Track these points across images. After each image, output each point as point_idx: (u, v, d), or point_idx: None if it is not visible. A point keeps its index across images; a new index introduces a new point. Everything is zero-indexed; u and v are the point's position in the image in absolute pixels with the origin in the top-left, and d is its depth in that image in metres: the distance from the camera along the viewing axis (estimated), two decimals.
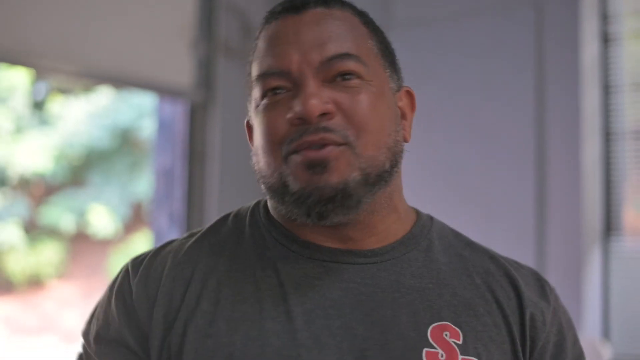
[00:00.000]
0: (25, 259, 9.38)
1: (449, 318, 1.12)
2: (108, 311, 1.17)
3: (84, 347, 1.21)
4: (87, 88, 8.73)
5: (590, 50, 3.20)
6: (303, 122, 1.07)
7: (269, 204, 1.21)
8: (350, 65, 1.11)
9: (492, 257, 1.24)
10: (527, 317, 1.17)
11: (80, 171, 9.68)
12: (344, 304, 1.09)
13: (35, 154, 9.16)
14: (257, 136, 1.14)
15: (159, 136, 4.19)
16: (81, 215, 9.39)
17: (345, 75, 1.10)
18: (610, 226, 3.17)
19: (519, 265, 1.25)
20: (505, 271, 1.21)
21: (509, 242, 3.27)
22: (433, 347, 1.08)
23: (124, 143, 9.63)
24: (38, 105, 9.56)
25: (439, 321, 1.11)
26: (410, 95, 1.23)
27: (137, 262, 1.18)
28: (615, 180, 3.20)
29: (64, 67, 3.48)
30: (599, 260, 3.14)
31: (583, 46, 3.19)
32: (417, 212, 1.26)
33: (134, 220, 9.58)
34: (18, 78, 8.81)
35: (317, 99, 1.07)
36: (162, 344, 1.10)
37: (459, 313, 1.13)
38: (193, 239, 1.20)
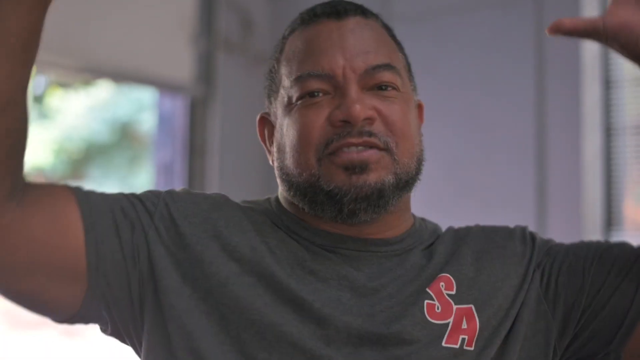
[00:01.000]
0: None
1: (446, 270, 1.19)
2: (148, 198, 1.17)
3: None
4: (87, 82, 8.72)
5: (591, 44, 3.20)
6: (346, 125, 1.11)
7: (284, 200, 1.23)
8: (390, 76, 1.16)
9: (484, 230, 1.32)
10: (535, 254, 1.25)
11: (79, 165, 9.68)
12: (355, 279, 1.14)
13: (34, 148, 9.16)
14: (290, 134, 1.15)
15: (159, 131, 4.19)
16: None
17: (383, 85, 1.15)
18: (610, 220, 3.18)
19: (502, 228, 1.34)
20: (489, 232, 1.31)
21: None
22: (432, 299, 1.15)
23: (124, 137, 9.63)
24: (37, 99, 9.55)
25: (438, 273, 1.18)
26: (420, 107, 1.30)
27: (175, 192, 1.20)
28: (615, 174, 3.20)
29: (64, 61, 3.48)
30: None
31: (583, 40, 3.18)
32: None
33: None
34: None
35: (361, 104, 1.11)
36: (197, 255, 1.13)
37: (458, 268, 1.20)
38: (223, 199, 1.23)
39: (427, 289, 1.16)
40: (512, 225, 1.34)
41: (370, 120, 1.12)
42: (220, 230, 1.15)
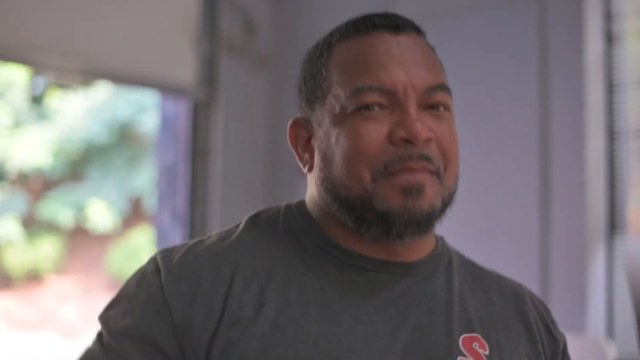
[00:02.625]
0: (23, 253, 9.39)
1: (478, 330, 1.18)
2: (135, 306, 1.13)
3: (104, 335, 1.16)
4: (86, 83, 8.72)
5: (594, 48, 3.20)
6: (407, 144, 1.11)
7: (316, 209, 1.21)
8: (444, 97, 1.16)
9: (498, 276, 1.31)
10: (542, 328, 1.27)
11: (78, 166, 9.68)
12: (386, 312, 1.14)
13: (33, 149, 9.16)
14: (343, 144, 1.13)
15: (161, 133, 4.19)
16: (80, 210, 9.39)
17: (436, 105, 1.15)
18: (614, 225, 3.18)
19: (519, 286, 1.32)
20: (512, 290, 1.29)
21: (513, 241, 3.27)
22: (464, 355, 1.15)
23: (123, 138, 9.63)
24: (36, 100, 9.55)
25: (469, 332, 1.17)
26: None
27: (168, 258, 1.16)
28: (619, 178, 3.20)
29: (66, 64, 3.48)
30: (603, 258, 3.14)
31: (587, 44, 3.19)
32: None
33: (133, 215, 9.58)
34: (16, 73, 8.79)
35: (422, 123, 1.11)
36: (204, 345, 1.09)
37: (484, 326, 1.19)
38: (228, 240, 1.19)
39: (461, 347, 1.16)
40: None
41: (429, 140, 1.12)
42: (230, 310, 1.11)
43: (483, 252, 3.28)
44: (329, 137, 1.16)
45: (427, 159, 1.11)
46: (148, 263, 1.18)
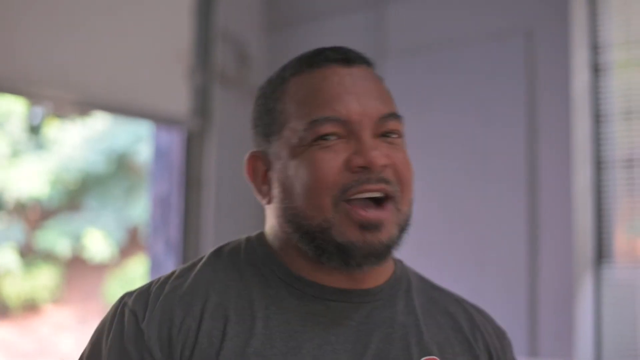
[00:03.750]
0: (21, 283, 9.38)
1: (436, 353, 1.22)
2: (113, 356, 1.15)
3: None
4: (82, 113, 8.75)
5: (581, 79, 3.24)
6: (364, 171, 1.14)
7: (273, 241, 1.24)
8: (397, 124, 1.20)
9: (457, 300, 1.34)
10: (494, 357, 1.29)
11: (76, 195, 9.70)
12: (347, 340, 1.17)
13: (31, 178, 9.18)
14: (301, 176, 1.15)
15: (155, 163, 4.21)
16: (77, 239, 9.40)
17: (389, 133, 1.19)
18: (601, 254, 3.20)
19: (478, 311, 1.35)
20: (469, 315, 1.31)
21: (501, 270, 3.30)
22: None
23: (120, 168, 9.65)
24: (34, 130, 9.58)
25: (427, 355, 1.20)
26: None
27: (141, 301, 1.18)
28: (606, 208, 3.22)
29: (61, 95, 3.51)
30: (591, 287, 3.16)
31: (574, 75, 3.22)
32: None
33: (130, 244, 9.58)
34: (14, 103, 8.83)
35: (378, 150, 1.15)
36: None
37: (442, 349, 1.23)
38: (193, 276, 1.22)
39: None
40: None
41: (385, 167, 1.15)
42: (200, 339, 1.14)
43: (471, 281, 3.31)
44: (287, 168, 1.18)
45: (386, 181, 1.15)
46: (116, 312, 1.19)
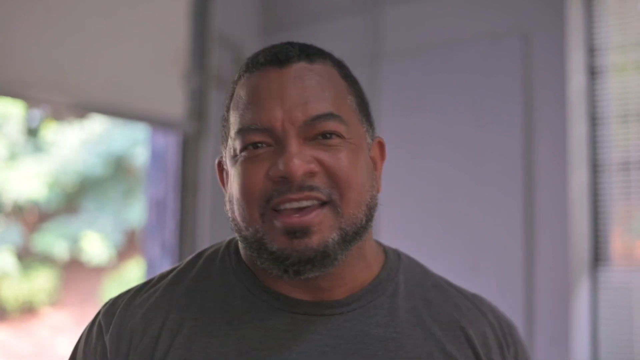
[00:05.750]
0: (18, 285, 9.37)
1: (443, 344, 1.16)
2: None
3: None
4: (79, 116, 8.75)
5: (577, 82, 3.24)
6: (285, 181, 1.08)
7: (242, 250, 1.21)
8: (332, 125, 1.11)
9: (456, 305, 1.24)
10: (495, 348, 1.21)
11: (73, 198, 9.70)
12: (309, 357, 1.11)
13: (29, 181, 9.17)
14: (234, 187, 1.13)
15: (151, 166, 4.21)
16: (74, 242, 9.40)
17: (326, 134, 1.11)
18: (598, 256, 3.20)
19: (480, 313, 1.25)
20: (463, 322, 1.22)
21: (498, 273, 3.29)
22: None
23: (118, 170, 9.65)
24: (32, 133, 9.58)
25: None
26: (381, 145, 1.25)
27: (109, 314, 1.18)
28: (602, 211, 3.23)
29: (57, 98, 3.50)
30: (587, 290, 3.16)
31: (570, 78, 3.22)
32: (385, 252, 1.27)
33: (128, 247, 9.58)
34: (12, 106, 8.83)
35: (300, 158, 1.08)
36: None
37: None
38: (160, 289, 1.20)
39: None
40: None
41: (311, 173, 1.09)
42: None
43: (467, 284, 3.30)
44: (230, 178, 1.16)
45: (310, 188, 1.08)
46: (95, 321, 1.20)
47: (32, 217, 9.63)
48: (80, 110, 3.83)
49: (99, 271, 9.55)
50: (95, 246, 9.35)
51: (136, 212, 9.33)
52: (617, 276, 3.16)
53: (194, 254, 1.26)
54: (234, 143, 1.13)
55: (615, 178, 3.21)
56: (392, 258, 1.25)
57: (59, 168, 9.48)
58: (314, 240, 1.08)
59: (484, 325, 1.23)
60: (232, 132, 1.14)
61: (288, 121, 1.09)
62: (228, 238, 1.27)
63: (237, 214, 1.12)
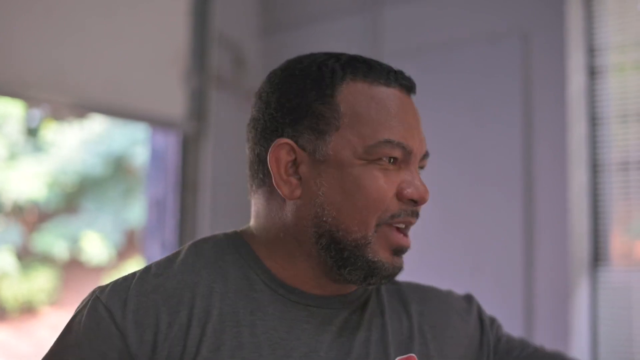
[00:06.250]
0: (18, 285, 9.37)
1: (413, 349, 1.25)
2: (84, 353, 1.13)
3: None
4: (79, 116, 8.75)
5: (577, 82, 3.24)
6: (411, 203, 1.18)
7: (260, 238, 1.22)
8: (426, 162, 1.26)
9: (419, 286, 1.38)
10: (472, 325, 1.36)
11: (73, 198, 9.69)
12: (331, 347, 1.18)
13: (28, 181, 9.17)
14: (356, 190, 1.15)
15: (151, 166, 4.21)
16: (74, 242, 9.39)
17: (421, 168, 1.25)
18: (597, 256, 3.20)
19: (448, 292, 1.40)
20: (435, 294, 1.37)
21: (497, 273, 3.29)
22: None
23: (118, 170, 9.64)
24: (32, 132, 9.57)
25: (404, 353, 1.24)
26: None
27: (118, 299, 1.13)
28: (602, 211, 3.23)
29: (57, 98, 3.51)
30: (587, 290, 3.16)
31: (569, 78, 3.22)
32: None
33: (127, 247, 9.58)
34: (12, 105, 8.83)
35: (425, 186, 1.21)
36: None
37: (412, 344, 1.26)
38: (174, 273, 1.18)
39: None
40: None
41: None
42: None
43: (466, 284, 3.29)
44: (341, 177, 1.16)
45: (418, 215, 1.21)
46: (90, 307, 1.14)
47: (31, 217, 9.63)
48: (80, 110, 3.83)
49: (98, 271, 9.54)
50: (95, 246, 9.35)
51: (136, 212, 9.33)
52: (617, 276, 3.17)
53: (187, 245, 1.25)
54: (365, 148, 1.15)
55: (615, 178, 3.21)
56: None
57: (59, 168, 9.47)
58: (402, 261, 1.21)
59: (469, 316, 1.38)
60: (360, 136, 1.16)
61: (419, 150, 1.21)
62: (218, 233, 1.27)
63: (347, 215, 1.15)
